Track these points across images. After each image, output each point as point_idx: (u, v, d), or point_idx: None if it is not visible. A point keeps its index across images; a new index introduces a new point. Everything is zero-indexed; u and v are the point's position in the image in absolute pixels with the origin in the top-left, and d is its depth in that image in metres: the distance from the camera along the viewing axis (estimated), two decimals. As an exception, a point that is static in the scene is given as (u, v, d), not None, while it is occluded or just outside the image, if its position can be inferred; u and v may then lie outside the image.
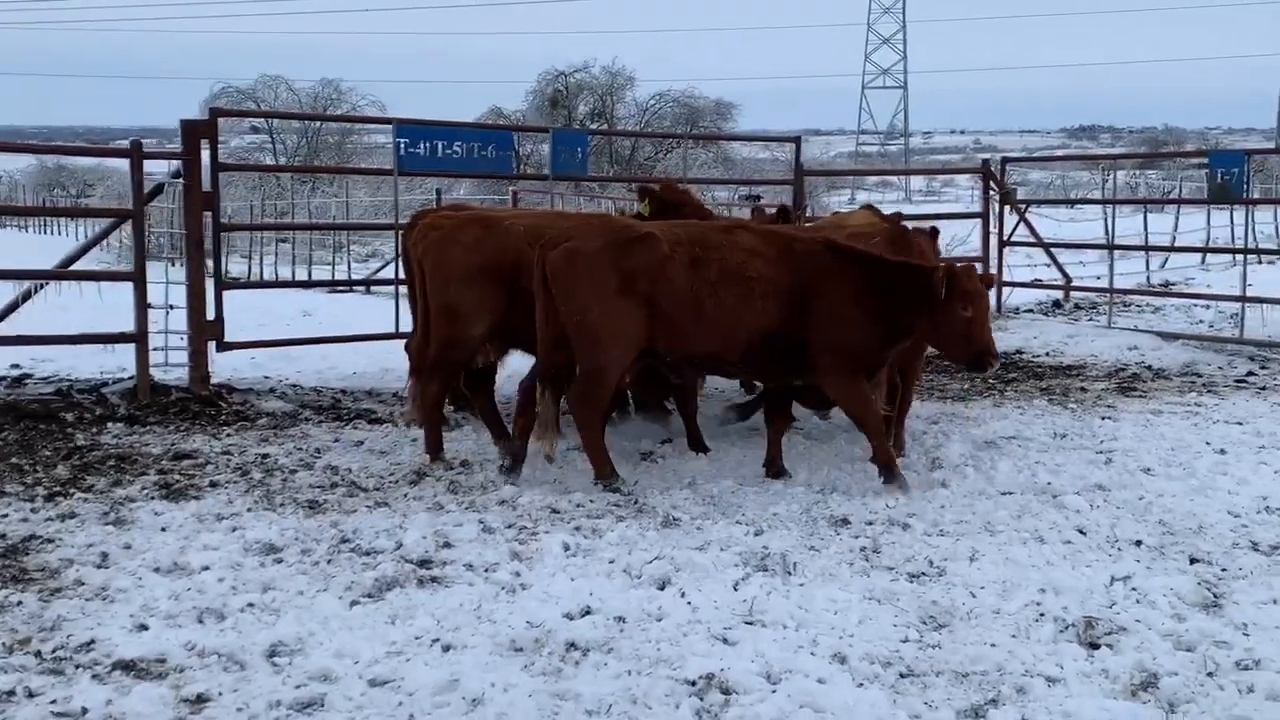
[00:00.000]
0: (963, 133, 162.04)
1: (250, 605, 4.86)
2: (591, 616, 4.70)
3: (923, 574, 5.27)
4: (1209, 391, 9.94)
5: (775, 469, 6.99)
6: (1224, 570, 5.35)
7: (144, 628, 4.65)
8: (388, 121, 11.09)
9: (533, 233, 7.22)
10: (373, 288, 16.84)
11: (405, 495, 6.57)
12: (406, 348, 8.24)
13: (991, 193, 13.51)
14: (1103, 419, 8.73)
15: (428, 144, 9.86)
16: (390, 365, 9.72)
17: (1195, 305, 14.96)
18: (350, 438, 8.04)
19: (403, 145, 9.82)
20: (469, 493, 6.61)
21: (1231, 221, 20.37)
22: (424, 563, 5.37)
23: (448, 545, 5.60)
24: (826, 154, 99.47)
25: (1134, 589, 5.06)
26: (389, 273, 16.19)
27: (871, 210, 10.12)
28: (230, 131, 52.25)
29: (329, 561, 5.42)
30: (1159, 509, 6.32)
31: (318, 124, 47.60)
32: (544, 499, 6.39)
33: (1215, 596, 4.99)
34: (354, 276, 21.06)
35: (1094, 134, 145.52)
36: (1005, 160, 14.51)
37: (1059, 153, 78.44)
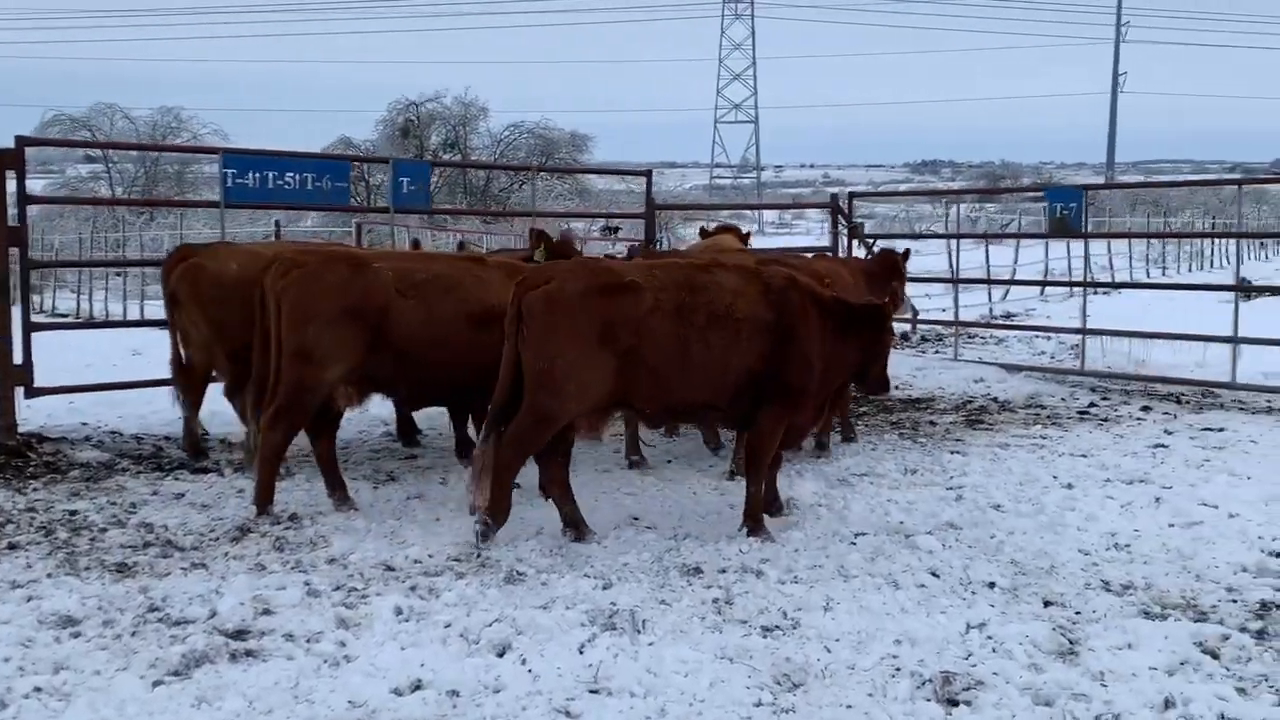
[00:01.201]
0: (812, 166, 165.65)
1: (38, 690, 4.34)
2: (422, 692, 4.31)
3: (777, 627, 5.04)
4: (1053, 424, 10.05)
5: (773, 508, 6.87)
6: (1078, 613, 5.26)
7: (-93, 723, 4.10)
8: (214, 151, 10.54)
9: (400, 276, 6.88)
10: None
11: (225, 554, 6.06)
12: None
13: (840, 226, 13.56)
14: (952, 453, 8.72)
15: (257, 174, 9.33)
16: (219, 408, 9.13)
17: (1037, 336, 15.32)
18: (170, 490, 7.48)
19: (230, 176, 9.28)
20: (296, 550, 6.14)
21: (1069, 254, 21.06)
22: (239, 633, 4.90)
23: (268, 612, 5.13)
24: (682, 186, 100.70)
25: (990, 637, 4.92)
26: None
27: (731, 230, 10.40)
28: (65, 160, 50.22)
29: (133, 634, 4.90)
30: (1010, 548, 6.25)
31: (155, 154, 45.72)
32: (378, 554, 5.98)
33: (1071, 643, 4.87)
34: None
35: (936, 168, 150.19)
36: (853, 195, 14.63)
37: (903, 187, 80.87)
